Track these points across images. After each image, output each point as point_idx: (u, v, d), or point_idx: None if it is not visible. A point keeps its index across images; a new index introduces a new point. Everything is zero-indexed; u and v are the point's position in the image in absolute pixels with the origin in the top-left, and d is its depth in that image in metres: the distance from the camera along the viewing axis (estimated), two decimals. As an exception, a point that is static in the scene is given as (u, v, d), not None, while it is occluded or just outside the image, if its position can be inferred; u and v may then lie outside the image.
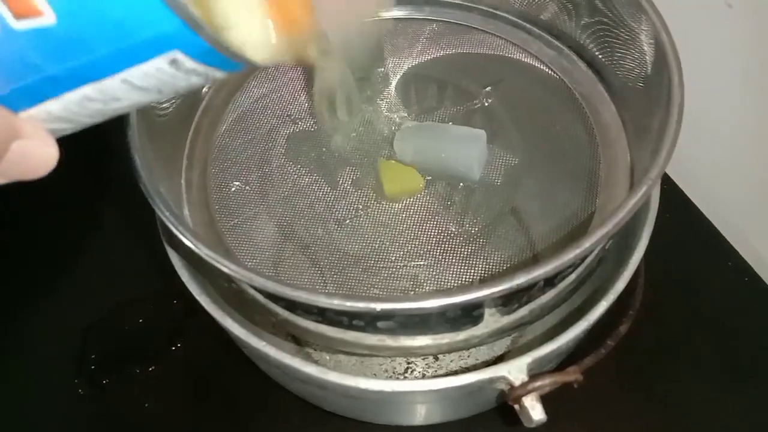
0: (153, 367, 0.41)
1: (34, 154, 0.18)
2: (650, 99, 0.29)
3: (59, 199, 0.47)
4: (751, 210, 0.43)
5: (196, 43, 0.16)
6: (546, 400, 0.26)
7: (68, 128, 0.19)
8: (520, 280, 0.22)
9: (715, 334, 0.39)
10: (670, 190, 0.45)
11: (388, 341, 0.27)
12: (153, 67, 0.17)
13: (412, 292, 0.29)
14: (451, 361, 0.38)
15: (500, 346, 0.37)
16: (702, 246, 0.43)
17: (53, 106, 0.18)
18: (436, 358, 0.38)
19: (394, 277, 0.30)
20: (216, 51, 0.17)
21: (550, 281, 0.26)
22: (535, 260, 0.31)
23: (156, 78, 0.17)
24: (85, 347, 0.42)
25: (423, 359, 0.38)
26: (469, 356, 0.37)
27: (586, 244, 0.23)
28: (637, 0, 0.29)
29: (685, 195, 0.45)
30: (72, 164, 0.52)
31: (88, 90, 0.18)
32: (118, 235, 0.46)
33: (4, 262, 0.46)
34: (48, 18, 0.16)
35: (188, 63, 0.17)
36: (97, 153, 0.51)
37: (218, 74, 0.18)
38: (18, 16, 0.16)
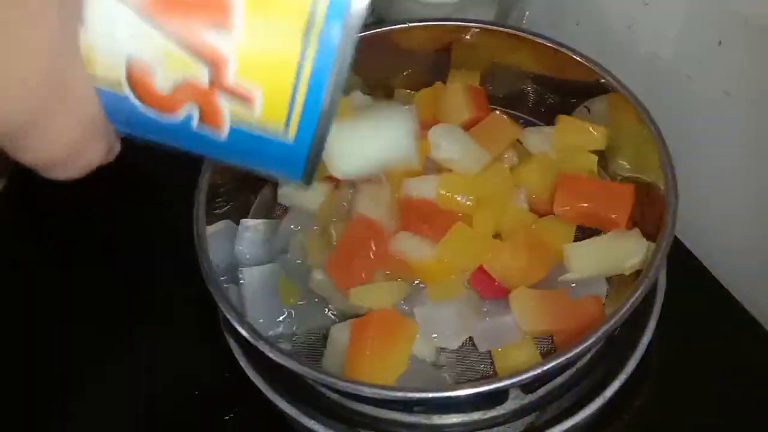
0: (207, 437, 0.44)
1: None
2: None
3: (119, 274, 0.52)
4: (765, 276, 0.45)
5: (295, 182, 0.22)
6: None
7: None
8: (535, 371, 0.25)
9: (734, 404, 0.40)
10: (686, 261, 0.47)
11: (423, 420, 0.31)
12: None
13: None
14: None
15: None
16: (719, 314, 0.44)
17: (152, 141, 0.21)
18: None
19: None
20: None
21: (562, 368, 0.29)
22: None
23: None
24: (143, 419, 0.46)
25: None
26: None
27: (593, 337, 0.26)
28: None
29: (702, 264, 0.47)
30: (131, 232, 0.56)
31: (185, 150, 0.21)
32: (173, 311, 0.50)
33: (60, 336, 0.50)
34: (220, 136, 0.20)
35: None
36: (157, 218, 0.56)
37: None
38: (200, 120, 0.20)
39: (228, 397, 0.46)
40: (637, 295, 0.27)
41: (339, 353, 0.31)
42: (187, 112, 0.20)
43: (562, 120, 0.37)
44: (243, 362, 0.33)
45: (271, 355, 0.28)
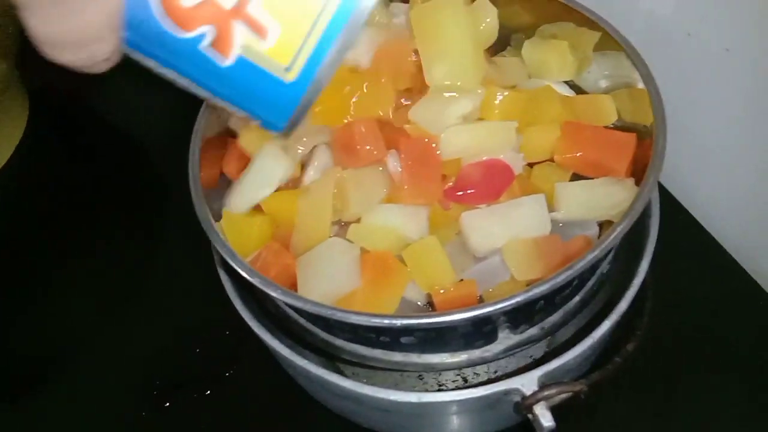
0: (209, 392, 0.45)
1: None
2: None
3: (118, 235, 0.53)
4: (760, 231, 0.45)
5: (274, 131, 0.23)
6: (561, 416, 0.29)
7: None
8: (519, 298, 0.26)
9: (724, 351, 0.41)
10: (676, 211, 0.47)
11: (414, 357, 0.31)
12: (233, 109, 0.23)
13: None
14: (479, 383, 0.41)
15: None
16: (710, 265, 0.45)
17: (149, 63, 0.22)
18: (465, 380, 0.41)
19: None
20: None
21: (550, 301, 0.30)
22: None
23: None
24: (147, 374, 0.47)
25: (453, 381, 0.41)
26: (495, 373, 0.40)
27: (578, 265, 0.26)
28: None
29: (694, 217, 0.47)
30: (127, 195, 0.58)
31: (182, 80, 0.22)
32: (176, 269, 0.51)
33: (67, 296, 0.51)
34: (225, 61, 0.21)
35: (254, 122, 0.23)
36: (155, 178, 0.57)
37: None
38: (211, 43, 0.20)
39: (229, 354, 0.47)
40: (624, 223, 0.27)
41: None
42: (202, 32, 0.20)
43: None
44: (238, 305, 0.34)
45: (259, 284, 0.28)
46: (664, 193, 0.48)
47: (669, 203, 0.47)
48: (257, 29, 0.20)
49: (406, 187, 0.31)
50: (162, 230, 0.54)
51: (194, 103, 0.36)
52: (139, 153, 0.61)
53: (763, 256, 0.45)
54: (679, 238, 0.44)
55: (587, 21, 0.36)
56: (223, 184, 0.35)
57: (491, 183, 0.31)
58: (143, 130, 0.62)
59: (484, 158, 0.32)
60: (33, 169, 0.59)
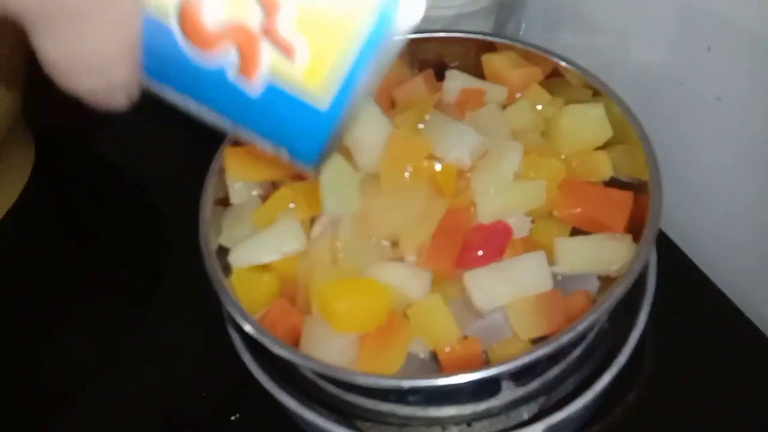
0: (214, 437, 0.46)
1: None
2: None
3: (124, 279, 0.54)
4: (761, 278, 0.46)
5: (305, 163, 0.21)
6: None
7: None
8: (525, 359, 0.27)
9: (726, 400, 0.41)
10: (675, 258, 0.48)
11: (420, 412, 0.32)
12: (261, 142, 0.21)
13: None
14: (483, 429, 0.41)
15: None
16: (711, 312, 0.45)
17: (169, 93, 0.21)
18: (469, 425, 0.42)
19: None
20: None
21: (553, 359, 0.30)
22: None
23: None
24: (151, 416, 0.47)
25: (458, 428, 0.42)
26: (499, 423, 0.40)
27: (579, 327, 0.27)
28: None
29: (693, 263, 0.48)
30: (134, 239, 0.58)
31: (204, 111, 0.21)
32: (184, 316, 0.52)
33: (70, 340, 0.51)
34: (254, 90, 0.19)
35: (283, 155, 0.22)
36: (161, 227, 0.58)
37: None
38: (238, 69, 0.19)
39: (234, 397, 0.47)
40: (623, 284, 0.28)
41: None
42: (227, 57, 0.19)
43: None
44: (246, 358, 0.34)
45: (268, 344, 0.29)
46: (663, 238, 0.49)
47: (668, 249, 0.48)
48: (287, 51, 0.19)
49: (425, 258, 0.32)
50: (168, 276, 0.54)
51: (207, 149, 0.37)
52: (147, 201, 0.61)
53: (762, 299, 0.45)
54: (679, 286, 0.44)
55: (580, 79, 0.37)
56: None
57: (494, 243, 0.32)
58: (153, 178, 0.62)
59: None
60: (36, 218, 0.59)
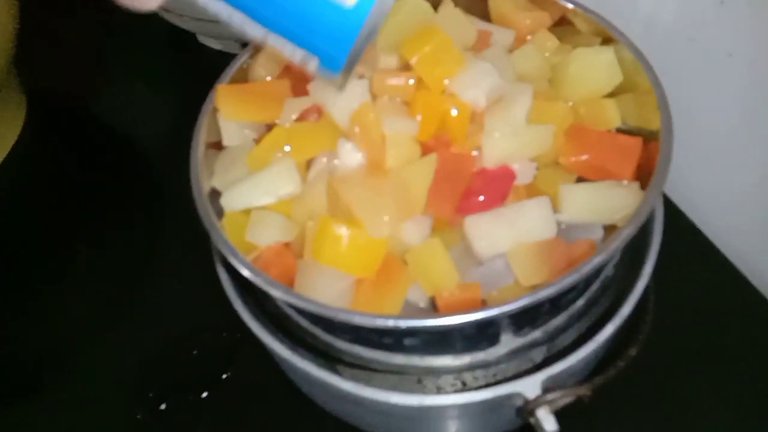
0: (206, 394, 0.45)
1: None
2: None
3: (116, 235, 0.53)
4: (761, 237, 0.45)
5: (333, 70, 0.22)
6: (563, 419, 0.29)
7: None
8: (524, 302, 0.25)
9: (725, 357, 0.41)
10: (677, 217, 0.48)
11: (415, 360, 0.31)
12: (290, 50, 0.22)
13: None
14: (479, 387, 0.40)
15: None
16: (711, 271, 0.45)
17: None
18: (464, 384, 0.41)
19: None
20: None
21: (554, 304, 0.29)
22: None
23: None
24: (143, 376, 0.46)
25: (452, 385, 0.41)
26: (495, 376, 0.39)
27: (583, 270, 0.26)
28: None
29: (694, 223, 0.47)
30: (127, 192, 0.58)
31: (236, 15, 0.21)
32: (173, 271, 0.51)
33: (63, 297, 0.50)
34: None
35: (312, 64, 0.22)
36: (154, 177, 0.57)
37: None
38: None
39: (226, 356, 0.46)
40: (630, 228, 0.27)
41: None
42: None
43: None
44: (237, 305, 0.33)
45: (262, 283, 0.28)
46: (665, 200, 0.48)
47: (669, 209, 0.47)
48: None
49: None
50: (159, 230, 0.54)
51: (196, 103, 0.36)
52: (137, 152, 0.61)
53: (764, 262, 0.45)
54: (680, 244, 0.43)
55: (593, 24, 0.36)
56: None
57: (497, 188, 0.31)
58: (143, 129, 0.61)
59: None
60: (28, 170, 0.59)
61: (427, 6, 0.34)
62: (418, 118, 0.31)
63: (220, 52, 0.64)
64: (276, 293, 0.27)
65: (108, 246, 0.53)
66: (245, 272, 0.29)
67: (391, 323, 0.26)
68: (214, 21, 0.62)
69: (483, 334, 0.29)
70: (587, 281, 0.31)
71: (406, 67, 0.32)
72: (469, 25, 0.34)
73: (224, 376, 0.46)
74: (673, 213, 0.48)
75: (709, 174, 0.48)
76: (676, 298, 0.41)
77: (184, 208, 0.33)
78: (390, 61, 0.32)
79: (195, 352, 0.47)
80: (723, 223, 0.47)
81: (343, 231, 0.29)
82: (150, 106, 0.63)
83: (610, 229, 0.32)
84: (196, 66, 0.64)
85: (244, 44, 0.60)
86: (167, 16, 0.61)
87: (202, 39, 0.64)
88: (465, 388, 0.38)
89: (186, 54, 0.66)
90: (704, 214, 0.47)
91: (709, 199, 0.48)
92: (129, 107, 0.63)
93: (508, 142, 0.31)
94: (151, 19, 0.67)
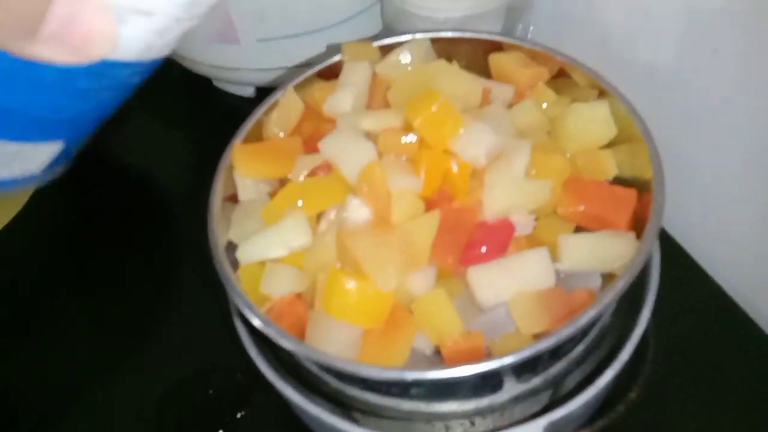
0: (220, 432, 0.46)
1: (83, 24, 0.16)
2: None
3: (134, 275, 0.55)
4: (763, 278, 0.46)
5: None
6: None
7: None
8: (525, 353, 0.27)
9: (727, 396, 0.42)
10: (678, 256, 0.48)
11: (423, 407, 0.32)
12: None
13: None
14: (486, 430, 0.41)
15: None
16: (713, 311, 0.46)
17: None
18: (473, 424, 0.42)
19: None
20: None
21: (555, 354, 0.31)
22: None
23: None
24: (159, 414, 0.48)
25: (461, 425, 0.42)
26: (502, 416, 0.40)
27: (580, 321, 0.27)
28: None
29: (696, 262, 0.48)
30: (143, 236, 0.60)
31: None
32: (191, 311, 0.52)
33: (83, 335, 0.52)
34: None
35: None
36: (170, 223, 0.58)
37: None
38: None
39: (241, 395, 0.48)
40: (625, 279, 0.29)
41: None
42: None
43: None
44: (252, 352, 0.35)
45: (273, 335, 0.29)
46: (667, 239, 0.49)
47: (672, 249, 0.48)
48: None
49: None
50: (178, 272, 0.55)
51: (213, 146, 0.38)
52: (154, 195, 0.63)
53: (765, 298, 0.46)
54: (683, 286, 0.45)
55: (587, 78, 0.37)
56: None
57: (498, 240, 0.32)
58: (159, 172, 0.63)
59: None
60: (47, 210, 0.60)
61: (442, 65, 0.36)
62: (422, 175, 0.32)
63: (235, 96, 0.66)
64: (286, 345, 0.29)
65: (127, 286, 0.55)
66: (257, 323, 0.30)
67: (396, 375, 0.27)
68: (229, 68, 0.64)
69: (486, 381, 0.31)
70: (586, 330, 0.32)
71: (410, 126, 0.33)
72: (472, 85, 0.36)
73: (238, 415, 0.47)
74: (675, 252, 0.49)
75: (709, 212, 0.49)
76: (677, 338, 0.42)
77: (202, 252, 0.35)
78: (396, 119, 0.34)
79: (210, 391, 0.49)
80: (725, 262, 0.48)
81: (351, 284, 0.30)
82: (167, 148, 0.65)
83: (609, 277, 0.33)
84: (212, 110, 0.66)
85: (259, 89, 0.63)
86: (183, 62, 0.63)
87: (218, 83, 0.66)
88: (473, 429, 0.39)
89: (202, 98, 0.68)
90: (707, 253, 0.48)
91: (712, 237, 0.49)
92: (146, 150, 0.65)
93: (508, 196, 0.33)
94: (167, 63, 0.69)
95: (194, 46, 0.60)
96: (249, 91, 0.64)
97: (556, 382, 0.32)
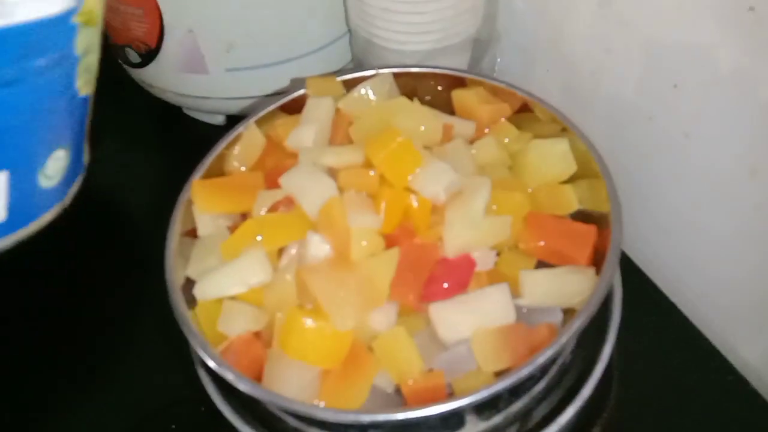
0: (183, 469, 0.45)
1: None
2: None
3: (93, 306, 0.53)
4: (735, 311, 0.46)
5: None
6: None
7: None
8: (485, 393, 0.27)
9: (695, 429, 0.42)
10: (643, 286, 0.48)
11: (383, 446, 0.32)
12: None
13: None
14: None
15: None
16: (681, 346, 0.46)
17: None
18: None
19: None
20: None
21: (516, 392, 0.30)
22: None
23: None
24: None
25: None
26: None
27: (538, 360, 0.27)
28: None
29: (662, 292, 0.48)
30: (104, 267, 0.58)
31: None
32: (151, 347, 0.51)
33: (37, 373, 0.50)
34: None
35: None
36: (134, 253, 0.57)
37: None
38: None
39: (204, 430, 0.47)
40: (582, 318, 0.29)
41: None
42: None
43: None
44: (211, 390, 0.34)
45: (229, 378, 0.29)
46: (635, 271, 0.49)
47: (640, 282, 0.48)
48: None
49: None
50: (138, 303, 0.54)
51: (181, 172, 0.37)
52: (120, 221, 0.62)
53: (730, 329, 0.46)
54: (651, 319, 0.44)
55: (548, 114, 0.38)
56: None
57: (458, 276, 0.32)
58: (126, 199, 0.62)
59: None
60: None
61: (403, 102, 0.36)
62: (383, 212, 0.32)
63: (206, 123, 0.66)
64: (242, 387, 0.29)
65: (84, 315, 0.53)
66: (212, 364, 0.30)
67: (352, 418, 0.27)
68: (198, 96, 0.63)
69: (447, 421, 0.30)
70: (544, 368, 0.32)
71: (371, 163, 0.33)
72: (434, 122, 0.36)
73: (202, 451, 0.46)
74: (641, 284, 0.49)
75: (673, 246, 0.49)
76: (641, 370, 0.42)
77: (164, 285, 0.34)
78: (357, 156, 0.34)
79: (173, 426, 0.47)
80: (692, 292, 0.48)
81: (309, 323, 0.30)
82: (136, 176, 0.64)
83: (570, 312, 0.33)
84: (182, 137, 0.66)
85: (230, 117, 0.63)
86: (152, 90, 0.63)
87: (188, 111, 0.66)
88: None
89: (172, 125, 0.68)
90: (673, 284, 0.49)
91: (677, 268, 0.49)
92: (115, 177, 0.64)
93: (468, 233, 0.33)
94: (138, 92, 0.68)
95: (163, 75, 0.59)
96: (219, 119, 0.64)
97: (517, 419, 0.32)
